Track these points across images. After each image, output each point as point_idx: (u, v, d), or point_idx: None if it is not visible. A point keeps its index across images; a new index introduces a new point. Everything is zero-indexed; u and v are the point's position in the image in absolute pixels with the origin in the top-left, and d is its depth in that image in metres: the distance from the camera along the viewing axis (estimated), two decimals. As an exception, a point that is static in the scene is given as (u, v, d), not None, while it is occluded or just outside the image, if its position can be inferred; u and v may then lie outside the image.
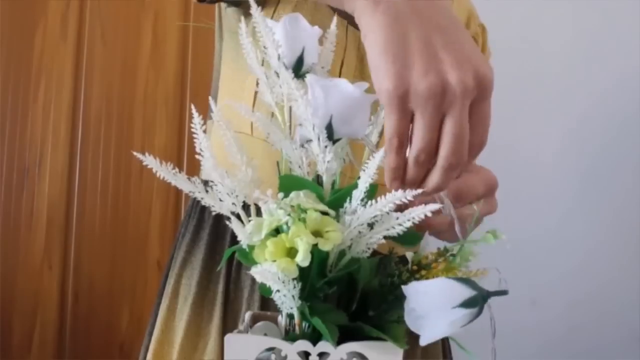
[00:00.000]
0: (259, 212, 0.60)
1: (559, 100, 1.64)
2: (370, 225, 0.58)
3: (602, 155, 1.64)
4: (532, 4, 1.66)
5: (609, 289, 1.57)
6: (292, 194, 0.58)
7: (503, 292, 0.53)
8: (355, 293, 0.62)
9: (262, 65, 0.66)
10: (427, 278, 0.60)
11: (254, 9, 0.65)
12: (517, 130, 1.61)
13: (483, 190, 0.72)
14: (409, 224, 0.57)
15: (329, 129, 0.61)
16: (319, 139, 0.60)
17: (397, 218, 0.57)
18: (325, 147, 0.61)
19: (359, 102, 0.60)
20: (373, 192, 0.58)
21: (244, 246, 0.60)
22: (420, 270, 0.61)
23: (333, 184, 0.64)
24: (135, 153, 0.66)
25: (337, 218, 0.58)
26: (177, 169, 0.65)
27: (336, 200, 0.59)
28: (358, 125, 0.61)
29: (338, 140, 0.62)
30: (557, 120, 1.64)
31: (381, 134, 0.69)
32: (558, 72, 1.64)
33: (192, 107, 0.66)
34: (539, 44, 1.65)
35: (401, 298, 0.60)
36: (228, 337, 0.61)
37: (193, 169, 0.66)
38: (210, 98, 0.69)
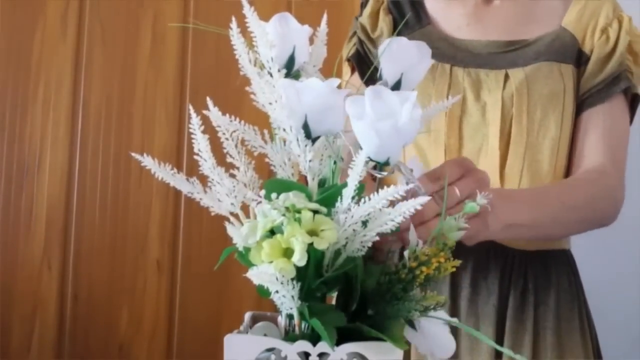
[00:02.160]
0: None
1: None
2: (364, 223, 0.59)
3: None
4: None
5: (609, 290, 1.56)
6: (282, 195, 0.58)
7: None
8: (354, 293, 0.62)
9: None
10: (427, 274, 0.60)
11: (247, 9, 0.65)
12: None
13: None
14: (400, 219, 0.58)
15: (306, 128, 0.61)
16: (297, 139, 0.61)
17: (390, 214, 0.58)
18: (305, 146, 0.61)
19: (331, 99, 0.61)
20: (361, 190, 0.59)
21: (240, 248, 0.60)
22: (419, 266, 0.61)
23: (324, 183, 0.64)
24: (134, 154, 0.66)
25: (329, 217, 0.58)
26: (176, 170, 0.65)
27: (324, 200, 0.59)
28: (334, 121, 0.62)
29: (317, 138, 0.62)
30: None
31: None
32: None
33: (191, 107, 0.66)
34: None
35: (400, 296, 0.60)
36: (228, 338, 0.61)
37: (192, 169, 0.66)
38: (208, 98, 0.69)
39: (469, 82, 1.02)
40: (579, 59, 1.06)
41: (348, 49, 1.13)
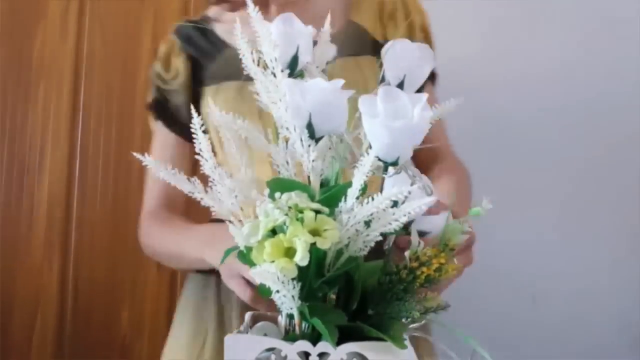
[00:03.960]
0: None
1: (559, 99, 1.63)
2: (367, 223, 0.58)
3: (602, 152, 1.63)
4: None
5: (609, 288, 1.57)
6: (285, 195, 0.58)
7: None
8: (354, 292, 0.62)
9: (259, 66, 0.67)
10: (427, 275, 0.60)
11: (251, 9, 0.65)
12: (516, 128, 1.61)
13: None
14: (405, 219, 0.57)
15: (310, 127, 0.61)
16: (301, 139, 0.61)
17: (394, 214, 0.57)
18: (309, 146, 0.61)
19: (335, 99, 0.61)
20: (364, 190, 0.59)
21: (242, 248, 0.60)
22: (420, 266, 0.61)
23: (327, 182, 0.64)
24: (134, 154, 0.66)
25: (332, 217, 0.58)
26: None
27: (327, 200, 0.59)
28: (337, 121, 0.62)
29: (320, 138, 0.62)
30: (558, 119, 1.64)
31: None
32: (556, 69, 1.63)
33: (191, 106, 0.66)
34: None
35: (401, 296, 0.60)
36: (228, 338, 0.61)
37: (192, 169, 0.66)
38: (209, 98, 0.69)
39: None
40: (377, 49, 1.06)
41: (149, 98, 1.19)
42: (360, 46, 1.05)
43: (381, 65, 1.06)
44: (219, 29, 1.14)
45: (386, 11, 1.10)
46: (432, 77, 1.11)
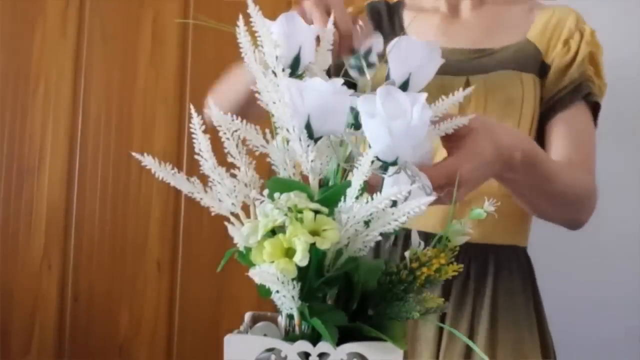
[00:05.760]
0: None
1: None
2: (366, 223, 0.58)
3: (604, 154, 1.63)
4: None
5: (609, 289, 1.56)
6: (284, 195, 0.58)
7: None
8: (354, 292, 0.62)
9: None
10: (427, 275, 0.60)
11: (252, 8, 0.65)
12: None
13: (444, 182, 0.72)
14: (404, 219, 0.57)
15: (308, 128, 0.61)
16: (300, 139, 0.61)
17: (393, 214, 0.57)
18: (308, 146, 0.61)
19: (334, 99, 0.61)
20: (364, 190, 0.58)
21: (241, 248, 0.60)
22: (420, 267, 0.61)
23: (325, 182, 0.64)
24: (134, 154, 0.65)
25: (331, 217, 0.58)
26: (176, 169, 0.64)
27: (326, 199, 0.59)
28: (336, 122, 0.62)
29: (319, 138, 0.62)
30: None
31: None
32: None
33: (191, 106, 0.66)
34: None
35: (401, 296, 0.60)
36: (228, 338, 0.61)
37: (192, 169, 0.66)
38: (209, 98, 0.68)
39: (433, 87, 1.01)
40: (542, 71, 1.08)
41: None
42: (529, 65, 1.06)
43: (542, 87, 1.07)
44: (406, 14, 1.15)
45: (562, 37, 1.08)
46: (595, 107, 1.08)
